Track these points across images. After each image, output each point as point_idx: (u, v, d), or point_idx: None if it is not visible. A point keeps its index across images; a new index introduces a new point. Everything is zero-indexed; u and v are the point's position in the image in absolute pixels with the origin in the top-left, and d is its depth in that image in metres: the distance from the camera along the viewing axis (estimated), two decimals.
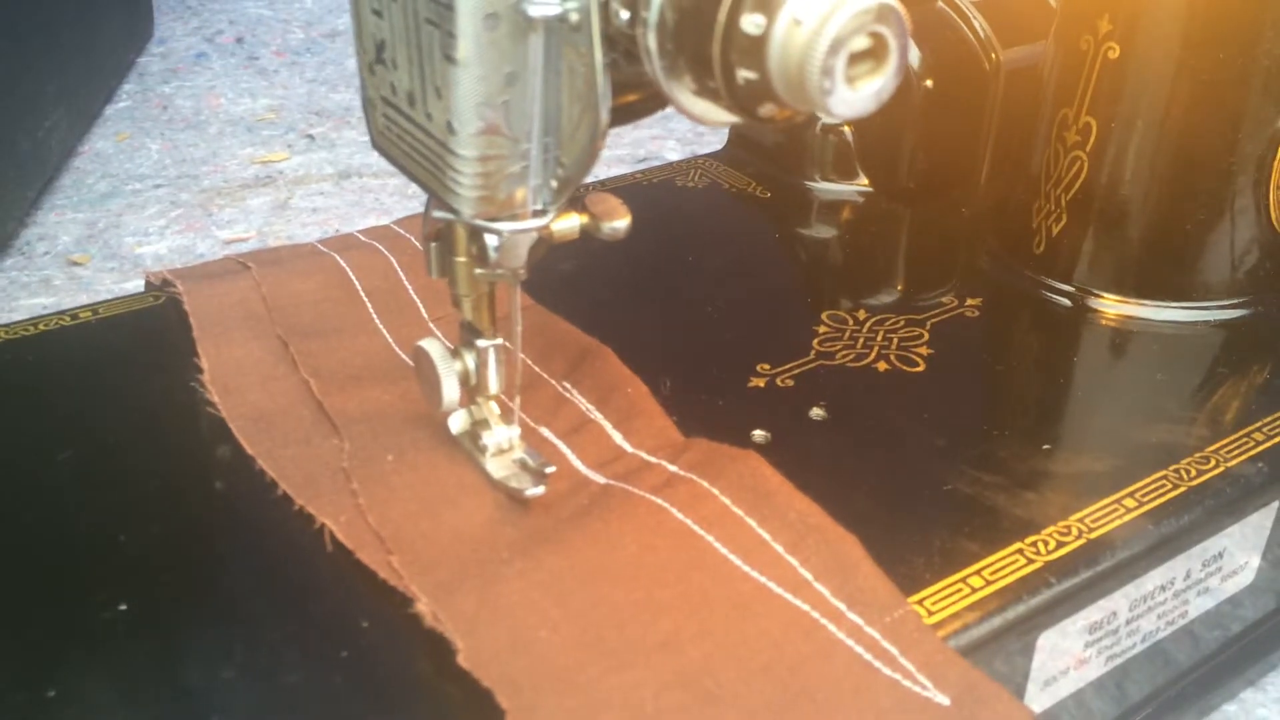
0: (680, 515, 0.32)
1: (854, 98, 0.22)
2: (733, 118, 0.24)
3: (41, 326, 0.42)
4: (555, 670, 0.27)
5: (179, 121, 0.85)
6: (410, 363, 0.39)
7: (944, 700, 0.27)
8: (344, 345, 0.40)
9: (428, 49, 0.27)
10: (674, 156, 0.79)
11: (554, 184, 0.28)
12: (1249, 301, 0.44)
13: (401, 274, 0.44)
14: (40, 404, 0.38)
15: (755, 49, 0.22)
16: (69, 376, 0.40)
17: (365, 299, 0.43)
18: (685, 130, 0.86)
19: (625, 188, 0.55)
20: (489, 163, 0.28)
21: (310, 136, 0.82)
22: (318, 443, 0.36)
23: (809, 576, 0.30)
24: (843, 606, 0.29)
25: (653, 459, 0.35)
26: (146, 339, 0.42)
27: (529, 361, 0.40)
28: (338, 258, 0.45)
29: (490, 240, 0.29)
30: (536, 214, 0.29)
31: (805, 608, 0.29)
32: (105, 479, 0.35)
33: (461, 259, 0.33)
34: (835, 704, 0.27)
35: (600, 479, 0.34)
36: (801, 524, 0.31)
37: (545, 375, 0.39)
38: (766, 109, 0.23)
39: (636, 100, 0.27)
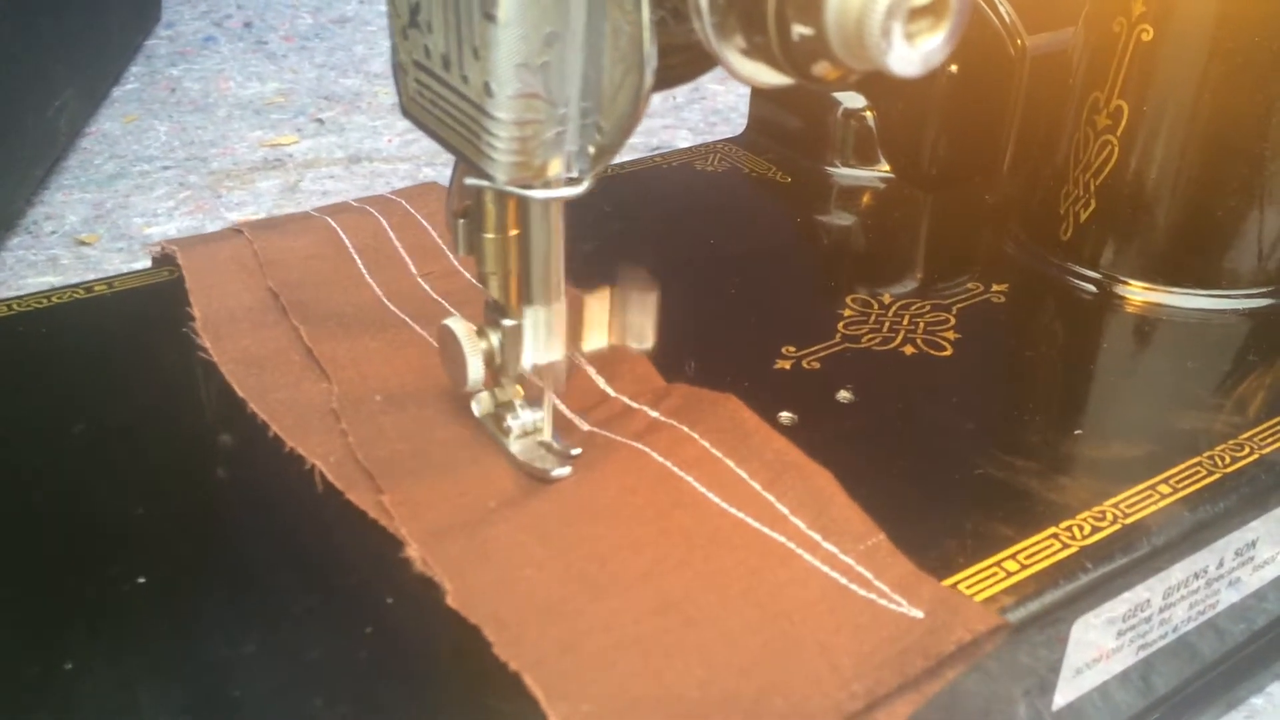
0: (661, 459, 0.33)
1: (913, 55, 0.21)
2: (783, 79, 0.23)
3: (54, 299, 0.42)
4: (541, 604, 0.28)
5: (187, 104, 0.84)
6: (400, 314, 0.40)
7: (918, 614, 0.28)
8: (334, 297, 0.41)
9: (465, 9, 0.26)
10: (686, 146, 0.78)
11: (591, 150, 0.28)
12: (1277, 290, 0.44)
13: (391, 233, 0.45)
14: (54, 377, 0.38)
15: (812, 3, 0.21)
16: (83, 349, 0.39)
17: (355, 255, 0.44)
18: (697, 120, 0.85)
19: (644, 171, 0.54)
20: (526, 127, 0.27)
21: (320, 121, 0.82)
22: (307, 387, 0.36)
23: (785, 511, 0.31)
24: (818, 537, 0.30)
25: (635, 404, 0.36)
26: (161, 313, 0.41)
27: None
28: (329, 220, 0.46)
29: (526, 336, 0.31)
30: (571, 181, 0.29)
31: (782, 539, 0.30)
32: (121, 451, 0.34)
33: (490, 235, 0.32)
34: (812, 622, 0.28)
35: (584, 425, 0.35)
36: (778, 462, 0.32)
37: None
38: (820, 67, 0.22)
39: (678, 63, 0.26)
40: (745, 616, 0.28)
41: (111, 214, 0.68)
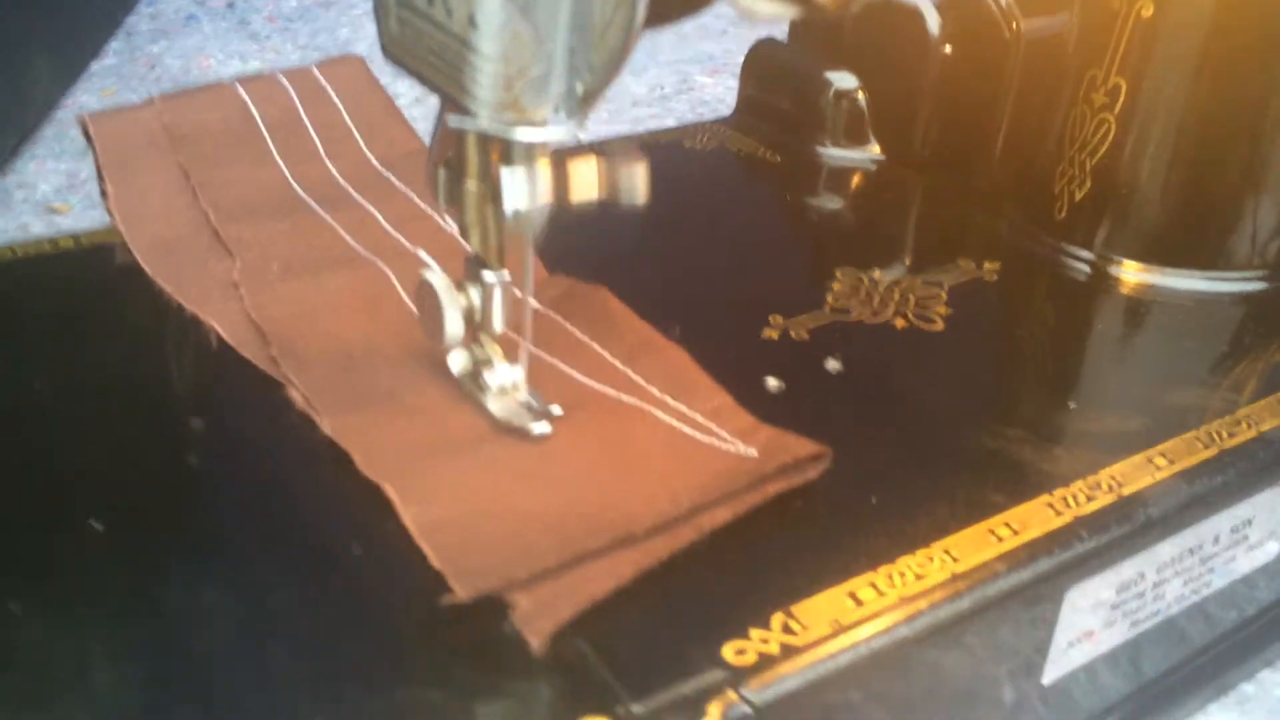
0: (535, 350, 0.35)
1: None
2: (785, 9, 0.22)
3: (19, 253, 0.40)
4: (408, 443, 0.31)
5: (166, 81, 0.82)
6: (306, 198, 0.42)
7: (752, 452, 0.31)
8: (243, 177, 0.42)
9: None
10: None
11: (579, 89, 0.27)
12: (1273, 274, 0.43)
13: (300, 108, 0.46)
14: (17, 330, 0.36)
15: None
16: (48, 303, 0.38)
17: (265, 133, 0.45)
18: (684, 111, 0.84)
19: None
20: (511, 63, 0.26)
21: None
22: (213, 265, 0.38)
23: (641, 381, 0.34)
24: (668, 398, 0.33)
25: (517, 292, 0.36)
26: (129, 268, 0.40)
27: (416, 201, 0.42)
28: (239, 89, 0.46)
29: (505, 181, 0.29)
30: (557, 123, 0.27)
31: (636, 401, 0.33)
32: (84, 406, 0.33)
33: (472, 182, 0.31)
34: (655, 460, 0.31)
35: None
36: (638, 342, 0.35)
37: (428, 210, 0.42)
38: None
39: None
40: (593, 454, 0.31)
41: (85, 184, 0.67)
